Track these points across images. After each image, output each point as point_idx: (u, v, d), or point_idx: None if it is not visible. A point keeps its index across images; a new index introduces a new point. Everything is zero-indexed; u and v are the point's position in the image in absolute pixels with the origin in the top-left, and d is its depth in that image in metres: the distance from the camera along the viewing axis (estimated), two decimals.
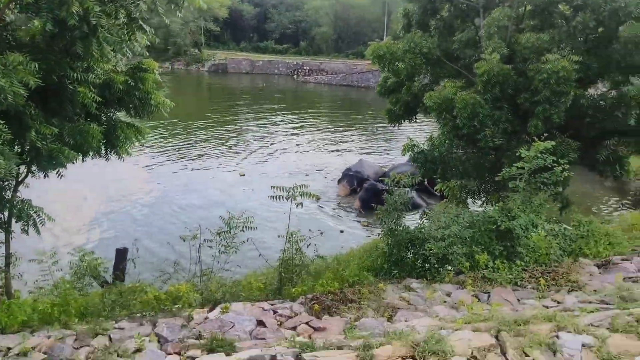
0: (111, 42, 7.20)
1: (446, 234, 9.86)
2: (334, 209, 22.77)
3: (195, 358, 6.53)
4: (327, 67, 70.61)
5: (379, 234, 11.17)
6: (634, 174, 20.79)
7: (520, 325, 6.23)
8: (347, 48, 78.73)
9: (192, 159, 29.92)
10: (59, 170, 8.38)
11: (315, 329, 7.83)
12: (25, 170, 9.00)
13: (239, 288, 10.14)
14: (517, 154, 10.26)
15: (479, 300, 9.06)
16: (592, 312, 6.73)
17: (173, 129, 37.37)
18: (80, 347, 7.17)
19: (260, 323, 7.97)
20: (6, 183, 8.79)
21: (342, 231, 20.35)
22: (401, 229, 10.35)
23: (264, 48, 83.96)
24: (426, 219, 10.86)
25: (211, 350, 6.81)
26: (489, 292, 9.25)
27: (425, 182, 22.84)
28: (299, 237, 10.37)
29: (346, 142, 36.10)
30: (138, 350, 6.81)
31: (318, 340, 6.99)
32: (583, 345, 5.61)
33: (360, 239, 18.47)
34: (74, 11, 6.53)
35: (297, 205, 9.66)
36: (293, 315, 8.37)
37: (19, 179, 9.05)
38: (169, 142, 33.40)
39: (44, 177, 8.43)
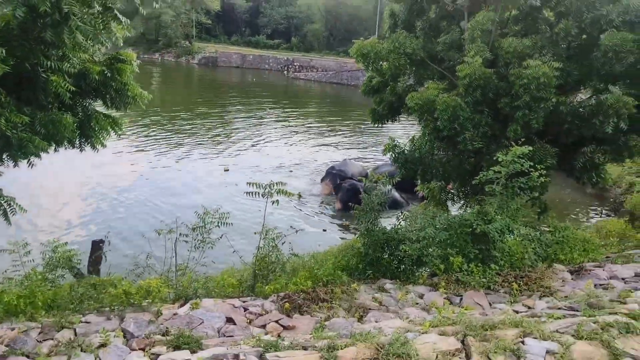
0: (84, 30, 7.07)
1: (421, 236, 9.85)
2: (316, 207, 22.75)
3: (159, 355, 6.44)
4: (318, 64, 70.48)
5: (355, 234, 11.17)
6: (612, 181, 21.03)
7: (487, 330, 6.23)
8: (338, 45, 78.59)
9: (176, 152, 29.70)
10: (29, 160, 8.23)
11: (285, 328, 7.80)
12: None
13: (212, 284, 10.08)
14: (495, 158, 10.28)
15: (451, 303, 9.08)
16: (559, 318, 6.76)
17: (158, 120, 37.12)
18: (44, 340, 7.05)
19: (230, 320, 7.91)
20: None
21: (324, 230, 20.32)
22: (377, 229, 10.33)
23: (256, 43, 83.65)
24: (403, 220, 10.85)
25: (177, 347, 6.73)
26: (461, 295, 9.28)
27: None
28: (276, 235, 10.34)
29: (333, 140, 36.08)
30: (102, 345, 6.70)
31: (286, 339, 6.97)
32: (547, 352, 5.63)
33: (341, 239, 18.48)
34: None
35: (272, 203, 9.59)
36: (264, 313, 8.33)
37: None
38: (154, 134, 33.16)
39: (14, 166, 8.28)
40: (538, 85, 11.13)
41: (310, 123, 41.76)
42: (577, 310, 7.34)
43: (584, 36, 12.29)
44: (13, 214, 8.90)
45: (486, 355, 5.65)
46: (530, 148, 10.43)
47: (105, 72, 8.62)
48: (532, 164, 10.19)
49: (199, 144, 31.97)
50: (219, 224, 9.87)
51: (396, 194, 22.84)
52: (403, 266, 10.03)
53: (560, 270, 10.71)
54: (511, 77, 11.74)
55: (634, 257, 11.45)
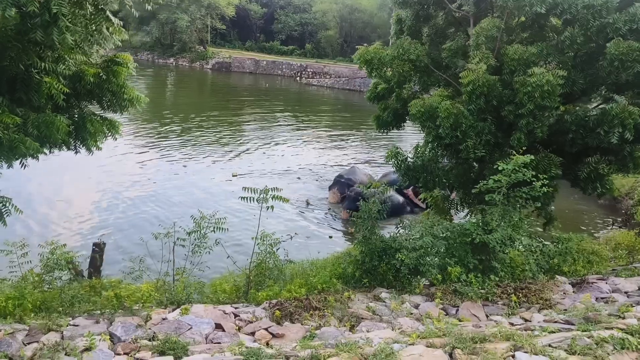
0: (74, 31, 7.05)
1: (418, 245, 9.68)
2: (323, 214, 22.58)
3: None
4: (331, 71, 70.45)
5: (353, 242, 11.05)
6: (624, 192, 20.63)
7: (477, 343, 6.08)
8: (351, 52, 77.51)
9: (186, 156, 29.78)
10: (22, 161, 8.22)
11: (274, 335, 7.68)
12: None
13: (207, 289, 10.00)
14: (495, 167, 10.09)
15: (446, 313, 8.90)
16: (553, 332, 6.57)
17: (167, 123, 37.30)
18: (30, 342, 7.01)
19: (219, 327, 7.82)
20: None
21: (330, 237, 20.15)
22: (375, 237, 10.18)
23: (270, 48, 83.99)
24: (402, 228, 10.69)
25: (162, 353, 6.66)
26: (458, 306, 9.09)
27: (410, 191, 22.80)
28: (273, 241, 10.24)
29: (344, 147, 35.94)
30: (87, 349, 6.64)
31: (274, 347, 6.85)
32: None
33: (347, 246, 18.28)
34: None
35: (267, 209, 9.52)
36: (254, 320, 8.22)
37: None
38: (164, 138, 33.29)
39: (7, 167, 8.26)
40: (542, 94, 10.93)
41: (322, 129, 41.66)
42: (574, 324, 7.14)
43: (591, 44, 12.05)
44: (7, 215, 8.88)
45: None
46: (533, 157, 10.24)
47: (101, 75, 8.60)
48: (535, 173, 9.98)
49: (208, 148, 32.02)
50: (215, 229, 9.80)
51: (401, 200, 22.64)
52: (400, 275, 9.85)
53: (562, 283, 10.48)
54: (515, 84, 11.54)
55: (639, 270, 11.16)
